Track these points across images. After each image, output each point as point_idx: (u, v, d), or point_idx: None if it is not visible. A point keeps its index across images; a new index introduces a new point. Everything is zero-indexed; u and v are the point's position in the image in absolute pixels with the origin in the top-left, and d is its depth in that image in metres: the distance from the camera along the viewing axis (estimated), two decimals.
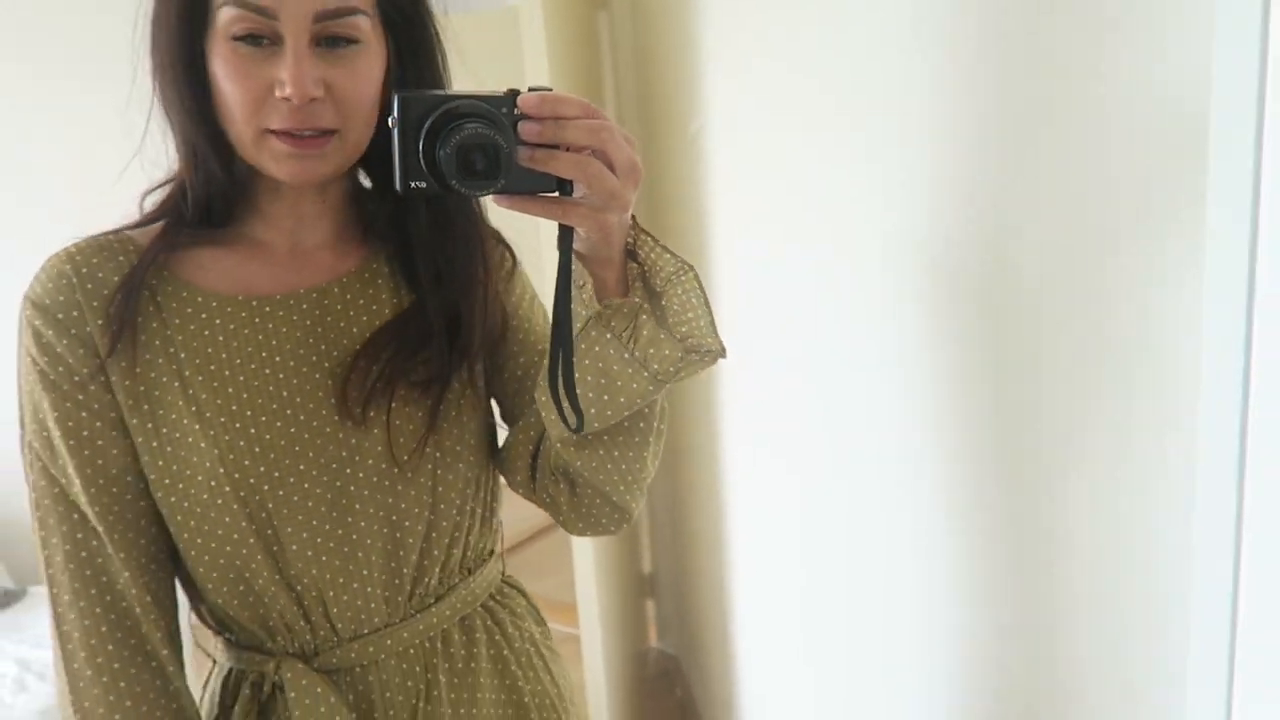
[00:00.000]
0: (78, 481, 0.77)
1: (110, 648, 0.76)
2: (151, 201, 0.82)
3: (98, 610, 0.76)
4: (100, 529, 0.77)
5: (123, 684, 0.76)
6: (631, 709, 2.42)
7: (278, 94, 0.71)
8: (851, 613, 1.36)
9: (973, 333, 0.90)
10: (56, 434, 0.77)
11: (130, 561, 0.78)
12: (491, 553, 0.93)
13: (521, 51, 1.86)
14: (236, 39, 0.71)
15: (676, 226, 2.26)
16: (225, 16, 0.71)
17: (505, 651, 0.90)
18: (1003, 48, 0.80)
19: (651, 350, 0.72)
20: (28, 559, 3.01)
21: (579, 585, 1.98)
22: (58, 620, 0.78)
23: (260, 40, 0.71)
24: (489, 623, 0.90)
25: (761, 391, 1.70)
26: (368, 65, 0.75)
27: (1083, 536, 0.74)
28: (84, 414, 0.77)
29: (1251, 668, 0.55)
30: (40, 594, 2.21)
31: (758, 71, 1.49)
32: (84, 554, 0.77)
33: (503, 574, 0.95)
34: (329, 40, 0.73)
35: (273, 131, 0.73)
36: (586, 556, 1.94)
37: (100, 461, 0.77)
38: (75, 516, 0.77)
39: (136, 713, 0.76)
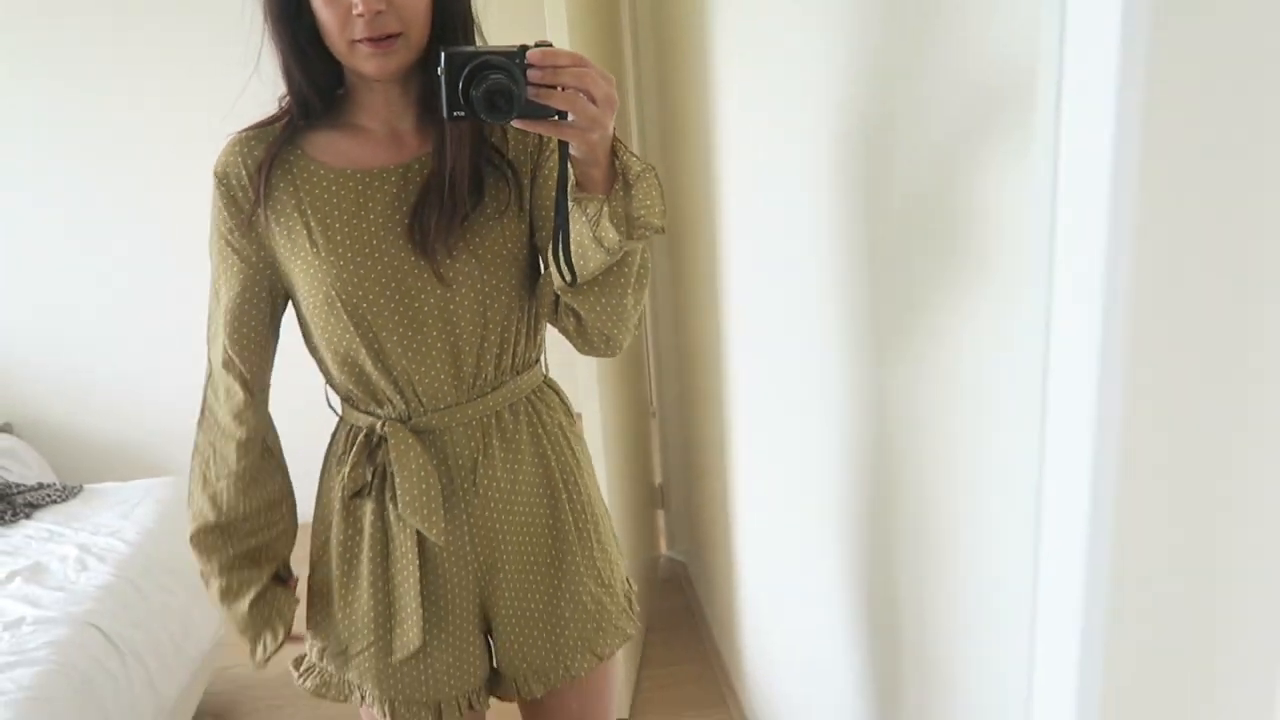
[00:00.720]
0: (220, 299, 1.13)
1: (246, 403, 1.15)
2: (282, 103, 1.12)
3: (237, 391, 1.15)
4: (228, 342, 1.13)
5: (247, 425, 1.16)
6: (645, 615, 2.60)
7: (354, 12, 0.99)
8: (841, 518, 1.48)
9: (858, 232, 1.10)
10: (217, 272, 1.13)
11: (246, 363, 1.14)
12: (536, 361, 1.22)
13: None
14: None
15: (688, 166, 2.31)
16: None
17: (540, 431, 1.20)
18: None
19: (601, 232, 0.98)
20: (78, 464, 3.22)
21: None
22: (205, 408, 1.19)
23: None
24: (530, 410, 1.20)
25: (751, 312, 1.80)
26: None
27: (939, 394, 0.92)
28: (238, 258, 1.11)
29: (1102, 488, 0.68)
30: (93, 490, 2.41)
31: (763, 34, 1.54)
32: (234, 355, 1.14)
33: (545, 378, 1.25)
34: None
35: (356, 41, 1.00)
36: (600, 471, 2.06)
37: (245, 292, 1.12)
38: (229, 341, 1.14)
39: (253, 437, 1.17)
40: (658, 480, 2.96)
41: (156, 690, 1.86)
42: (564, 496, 1.21)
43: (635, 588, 1.33)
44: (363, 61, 1.03)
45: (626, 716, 2.24)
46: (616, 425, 2.22)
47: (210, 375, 1.18)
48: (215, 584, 1.18)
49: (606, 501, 1.70)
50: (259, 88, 1.12)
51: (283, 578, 1.24)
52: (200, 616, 2.14)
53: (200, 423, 1.20)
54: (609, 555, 1.27)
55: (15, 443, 3.08)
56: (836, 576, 1.46)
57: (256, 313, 1.14)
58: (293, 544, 1.26)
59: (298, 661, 1.25)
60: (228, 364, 1.15)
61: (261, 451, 1.19)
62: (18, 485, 2.39)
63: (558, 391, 1.26)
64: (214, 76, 2.86)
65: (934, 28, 0.93)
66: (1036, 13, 0.69)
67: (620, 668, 1.33)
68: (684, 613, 2.71)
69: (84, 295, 3.30)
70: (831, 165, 1.26)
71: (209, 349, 1.18)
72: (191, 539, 1.19)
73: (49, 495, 2.35)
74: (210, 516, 1.16)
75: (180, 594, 2.08)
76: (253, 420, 1.17)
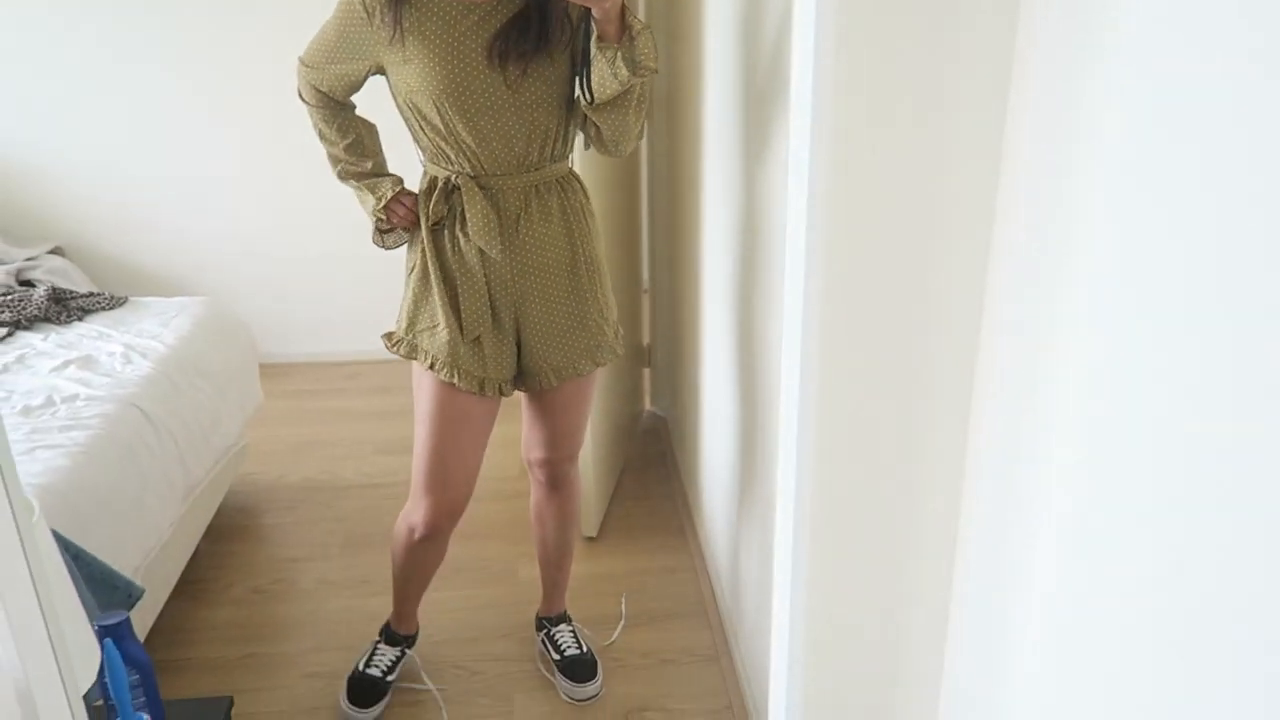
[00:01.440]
0: (327, 64, 1.61)
1: (328, 101, 1.68)
2: None
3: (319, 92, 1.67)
4: (325, 84, 1.64)
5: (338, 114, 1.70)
6: (622, 458, 2.88)
7: None
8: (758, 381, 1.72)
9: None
10: (325, 49, 1.59)
11: (334, 93, 1.66)
12: (566, 156, 1.68)
13: None
14: None
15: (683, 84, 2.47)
16: None
17: (565, 204, 1.66)
18: None
19: (615, 69, 1.45)
20: (126, 286, 3.50)
21: None
22: (300, 95, 1.70)
23: None
24: (560, 190, 1.66)
25: (716, 197, 2.00)
26: None
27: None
28: (352, 51, 1.57)
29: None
30: (137, 301, 2.69)
31: None
32: (315, 83, 1.66)
33: (572, 171, 1.71)
34: None
35: None
36: None
37: (344, 66, 1.60)
38: (318, 71, 1.63)
39: (345, 120, 1.71)
40: (645, 340, 3.20)
41: (187, 467, 2.16)
42: (580, 252, 1.68)
43: (622, 330, 1.83)
44: None
45: (594, 535, 2.54)
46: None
47: (300, 73, 1.66)
48: (351, 180, 1.71)
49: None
50: None
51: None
52: (226, 416, 2.44)
53: (307, 112, 1.71)
54: (608, 300, 1.76)
55: (65, 264, 3.37)
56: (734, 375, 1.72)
57: (349, 78, 1.62)
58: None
59: (388, 336, 1.72)
60: (315, 80, 1.64)
61: (354, 118, 1.72)
62: (70, 291, 2.67)
63: (580, 181, 1.72)
64: None
65: None
66: None
67: (596, 383, 1.87)
68: (658, 458, 2.99)
69: (134, 133, 3.52)
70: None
71: (303, 55, 1.64)
72: (340, 172, 1.73)
73: (99, 302, 2.63)
74: (338, 154, 1.71)
75: (210, 393, 2.37)
76: (335, 102, 1.68)
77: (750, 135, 1.72)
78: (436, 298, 1.64)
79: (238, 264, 3.70)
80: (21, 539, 0.74)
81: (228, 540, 2.57)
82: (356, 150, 1.70)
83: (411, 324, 1.69)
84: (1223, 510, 0.65)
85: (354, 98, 1.70)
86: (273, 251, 3.69)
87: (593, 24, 1.44)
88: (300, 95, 1.70)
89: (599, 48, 1.45)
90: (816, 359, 0.97)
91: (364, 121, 1.73)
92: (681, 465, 2.84)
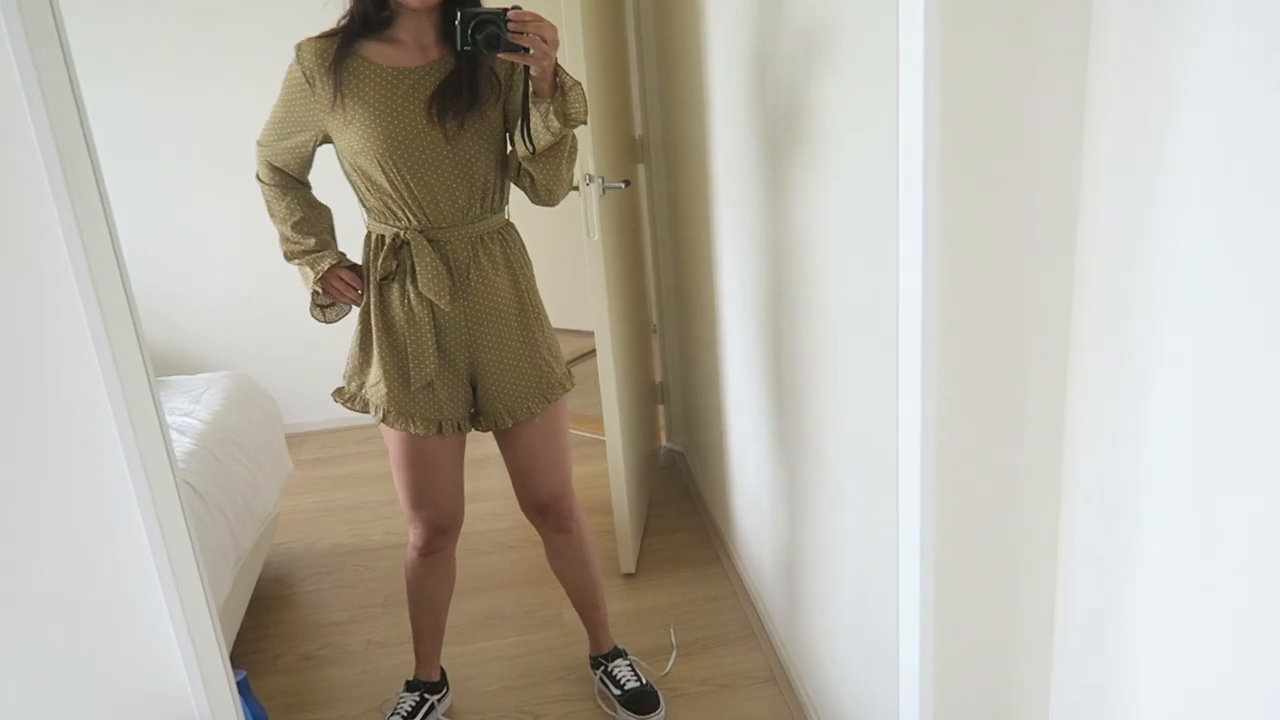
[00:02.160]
0: (278, 138, 1.69)
1: (282, 179, 1.75)
2: (342, 20, 1.61)
3: (275, 169, 1.74)
4: (279, 159, 1.72)
5: (289, 193, 1.76)
6: (648, 494, 2.93)
7: None
8: (810, 400, 1.80)
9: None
10: (276, 122, 1.67)
11: (289, 168, 1.73)
12: (503, 209, 1.76)
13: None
14: None
15: (685, 115, 2.58)
16: None
17: (509, 252, 1.75)
18: None
19: (549, 122, 1.58)
20: None
21: (604, 399, 2.41)
22: (268, 204, 1.78)
23: None
24: (502, 239, 1.74)
25: (727, 233, 2.10)
26: None
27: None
28: (300, 119, 1.64)
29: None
30: (162, 381, 2.71)
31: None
32: (276, 174, 1.75)
33: (509, 221, 1.79)
34: None
35: None
36: (610, 376, 2.37)
37: (294, 137, 1.67)
38: (272, 147, 1.71)
39: (296, 199, 1.76)
40: (658, 378, 3.28)
41: (236, 539, 2.20)
42: (526, 296, 1.78)
43: (571, 370, 1.90)
44: (416, 1, 1.55)
45: (633, 571, 2.59)
46: (622, 335, 2.52)
47: (257, 154, 1.75)
48: (296, 260, 1.77)
49: (614, 394, 2.40)
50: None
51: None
52: (264, 484, 2.47)
53: (261, 192, 1.78)
54: (553, 339, 1.84)
55: None
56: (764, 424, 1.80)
57: (299, 148, 1.69)
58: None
59: (339, 392, 1.79)
60: (271, 156, 1.71)
61: (306, 197, 1.79)
62: None
63: (517, 231, 1.81)
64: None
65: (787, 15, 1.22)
66: None
67: (568, 416, 1.90)
68: (681, 491, 3.05)
69: (150, 204, 3.57)
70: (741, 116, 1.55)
71: (260, 137, 1.73)
72: (286, 252, 1.79)
73: None
74: (286, 231, 1.77)
75: (248, 464, 2.40)
76: (292, 180, 1.76)
77: (775, 172, 1.81)
78: (377, 352, 1.71)
79: (246, 337, 3.75)
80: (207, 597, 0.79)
81: (269, 611, 2.59)
82: (302, 228, 1.76)
83: (359, 379, 1.77)
84: None
85: (315, 179, 1.81)
86: (281, 322, 3.74)
87: (529, 81, 1.57)
88: (257, 176, 1.78)
89: (534, 102, 1.58)
90: (935, 365, 1.05)
91: (315, 202, 1.80)
92: (707, 496, 2.90)
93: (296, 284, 3.68)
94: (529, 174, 1.70)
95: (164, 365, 3.64)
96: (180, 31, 3.42)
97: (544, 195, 1.74)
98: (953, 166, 1.00)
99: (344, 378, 1.79)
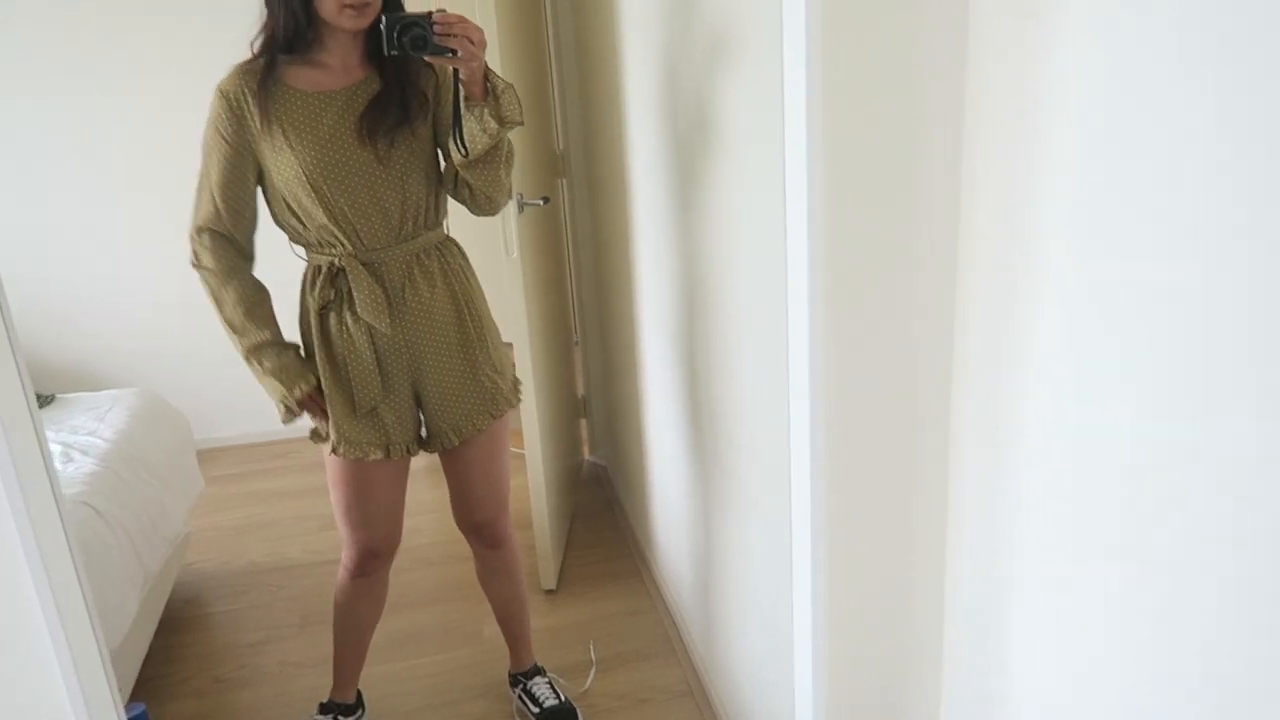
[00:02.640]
0: (218, 189, 1.61)
1: (226, 263, 1.66)
2: (257, 45, 1.59)
3: (222, 242, 1.66)
4: (224, 213, 1.63)
5: (234, 278, 1.67)
6: (570, 508, 2.93)
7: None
8: (711, 411, 1.83)
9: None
10: (209, 163, 1.61)
11: (233, 225, 1.65)
12: (440, 225, 1.75)
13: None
14: None
15: (605, 133, 2.60)
16: None
17: (447, 268, 1.73)
18: None
19: (484, 125, 1.55)
20: (45, 381, 3.40)
21: (524, 412, 2.40)
22: (196, 260, 1.67)
23: None
24: (440, 255, 1.73)
25: (642, 244, 2.12)
26: None
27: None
28: (231, 155, 1.59)
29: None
30: (65, 399, 2.63)
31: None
32: (219, 223, 1.64)
33: (448, 236, 1.78)
34: None
35: (346, 5, 1.50)
36: (529, 384, 2.36)
37: (233, 173, 1.61)
38: (213, 209, 1.63)
39: (242, 284, 1.68)
40: (580, 391, 3.28)
41: (143, 563, 2.13)
42: (466, 312, 1.75)
43: (521, 382, 1.91)
44: (346, 20, 1.53)
45: (554, 587, 2.59)
46: (542, 349, 2.52)
47: (193, 239, 1.66)
48: (255, 358, 1.69)
49: (534, 408, 2.36)
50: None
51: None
52: (171, 505, 2.40)
53: (202, 279, 1.69)
54: (500, 354, 1.82)
55: None
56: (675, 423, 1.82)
57: (241, 185, 1.63)
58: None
59: (313, 434, 1.78)
60: (214, 224, 1.64)
61: (252, 281, 1.71)
62: None
63: (458, 245, 1.80)
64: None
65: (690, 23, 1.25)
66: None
67: (509, 434, 1.90)
68: (604, 505, 3.06)
69: (42, 228, 3.45)
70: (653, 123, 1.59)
71: (193, 220, 1.66)
72: (243, 349, 1.70)
73: None
74: (236, 322, 1.69)
75: (154, 484, 2.34)
76: (237, 261, 1.68)
77: (683, 181, 1.83)
78: (332, 382, 1.69)
79: (156, 351, 3.64)
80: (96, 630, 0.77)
81: (180, 632, 2.52)
82: (255, 316, 1.68)
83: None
84: (1191, 514, 0.77)
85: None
86: (191, 336, 3.64)
87: (460, 86, 1.55)
88: (194, 263, 1.68)
89: (467, 107, 1.56)
90: (822, 378, 1.08)
91: (258, 284, 1.72)
92: (630, 510, 2.92)
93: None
94: (467, 184, 1.68)
95: (69, 382, 3.51)
96: (92, 31, 3.32)
97: (484, 204, 1.72)
98: (838, 173, 1.03)
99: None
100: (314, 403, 1.72)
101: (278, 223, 1.69)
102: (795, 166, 1.04)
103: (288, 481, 3.44)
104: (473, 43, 1.47)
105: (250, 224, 1.68)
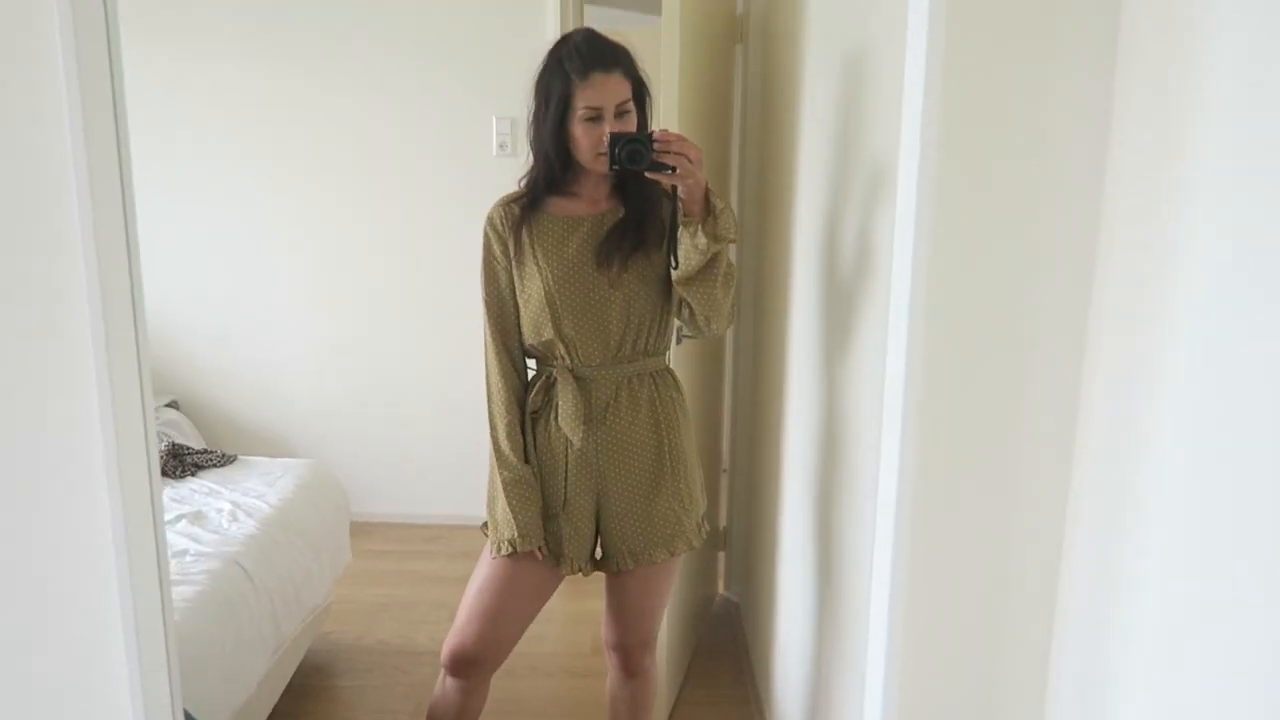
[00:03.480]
0: (486, 291, 1.78)
1: (504, 363, 1.78)
2: (523, 182, 1.77)
3: (501, 355, 1.78)
4: (493, 326, 1.78)
5: (506, 378, 1.78)
6: (693, 644, 2.86)
7: (602, 138, 1.62)
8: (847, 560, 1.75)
9: None
10: (484, 281, 1.78)
11: (505, 338, 1.79)
12: (663, 352, 1.82)
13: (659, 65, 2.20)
14: (587, 120, 1.64)
15: (778, 189, 2.64)
16: (580, 113, 1.64)
17: (656, 397, 1.80)
18: None
19: (697, 241, 1.62)
20: (226, 442, 3.71)
21: None
22: (487, 364, 1.80)
23: (597, 118, 1.64)
24: (652, 383, 1.80)
25: (796, 382, 2.09)
26: (633, 119, 1.68)
27: None
28: (499, 273, 1.77)
29: None
30: (245, 460, 2.85)
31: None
32: (497, 336, 1.78)
33: (667, 366, 1.85)
34: (619, 114, 1.65)
35: (601, 154, 1.63)
36: None
37: (498, 292, 1.78)
38: (493, 325, 1.78)
39: (510, 384, 1.78)
40: (723, 524, 3.24)
41: (279, 626, 2.25)
42: (666, 444, 1.80)
43: (708, 525, 1.92)
44: (600, 166, 1.66)
45: None
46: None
47: (485, 353, 1.80)
48: (509, 492, 1.75)
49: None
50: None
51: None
52: (317, 575, 2.53)
53: (488, 394, 1.80)
54: (692, 492, 1.84)
55: (180, 417, 3.61)
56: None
57: (508, 304, 1.78)
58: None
59: (484, 526, 1.83)
60: (493, 342, 1.78)
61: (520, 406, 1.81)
62: (186, 448, 2.86)
63: (675, 377, 1.87)
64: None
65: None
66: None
67: (676, 573, 1.91)
68: (730, 645, 2.96)
69: (247, 296, 3.83)
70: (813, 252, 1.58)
71: (485, 337, 1.80)
72: (501, 467, 1.78)
73: (211, 459, 2.80)
74: (505, 422, 1.78)
75: (306, 553, 2.48)
76: (512, 376, 1.79)
77: (832, 332, 1.82)
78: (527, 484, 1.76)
79: (332, 424, 3.90)
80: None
81: (305, 699, 2.61)
82: (513, 437, 1.77)
83: (491, 510, 1.82)
84: None
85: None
86: (366, 414, 3.89)
87: (678, 202, 1.64)
88: (486, 340, 1.80)
89: (683, 223, 1.63)
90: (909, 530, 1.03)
91: (519, 393, 1.80)
92: (754, 653, 2.81)
93: (387, 375, 3.84)
94: (687, 304, 1.73)
95: (254, 445, 3.81)
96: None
97: (703, 325, 1.76)
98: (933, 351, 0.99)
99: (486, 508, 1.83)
100: (529, 556, 1.76)
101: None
102: (896, 347, 1.01)
103: (434, 566, 3.55)
104: (690, 160, 1.56)
105: (514, 335, 1.80)
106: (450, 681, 1.88)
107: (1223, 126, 0.82)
